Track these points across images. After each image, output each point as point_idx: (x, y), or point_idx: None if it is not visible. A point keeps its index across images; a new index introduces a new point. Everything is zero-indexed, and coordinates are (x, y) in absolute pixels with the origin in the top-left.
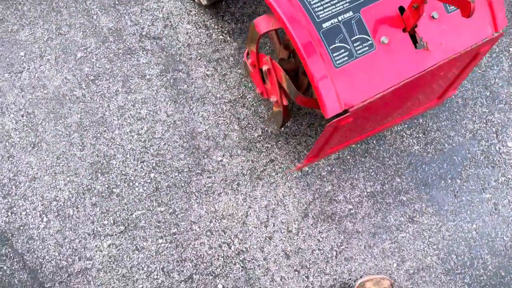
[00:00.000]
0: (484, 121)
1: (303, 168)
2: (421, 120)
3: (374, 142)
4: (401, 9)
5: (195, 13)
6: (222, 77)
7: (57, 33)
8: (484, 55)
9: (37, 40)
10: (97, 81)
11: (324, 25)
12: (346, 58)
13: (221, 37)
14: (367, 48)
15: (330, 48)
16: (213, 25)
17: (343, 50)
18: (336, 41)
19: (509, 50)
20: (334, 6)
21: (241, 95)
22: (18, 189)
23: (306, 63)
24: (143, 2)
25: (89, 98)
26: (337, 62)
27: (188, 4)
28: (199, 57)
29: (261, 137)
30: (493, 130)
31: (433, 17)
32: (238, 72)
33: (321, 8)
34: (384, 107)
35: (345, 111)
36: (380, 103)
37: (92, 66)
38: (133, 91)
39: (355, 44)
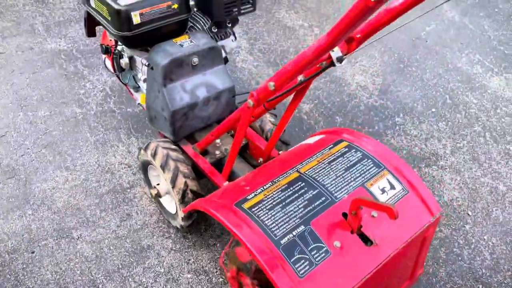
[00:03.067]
0: None
1: None
2: None
3: None
4: (345, 215)
5: (193, 261)
6: None
7: None
8: (432, 236)
9: None
10: None
11: (282, 242)
12: (308, 267)
13: (220, 279)
14: (323, 254)
15: (291, 261)
16: (212, 269)
17: (303, 261)
18: (296, 254)
19: (484, 238)
20: (287, 223)
21: None
22: None
23: (273, 280)
24: (145, 261)
25: None
26: (300, 273)
27: (186, 253)
28: None
29: None
30: None
31: (373, 216)
32: None
33: (276, 227)
34: None
35: None
36: None
37: None
38: None
39: (312, 253)
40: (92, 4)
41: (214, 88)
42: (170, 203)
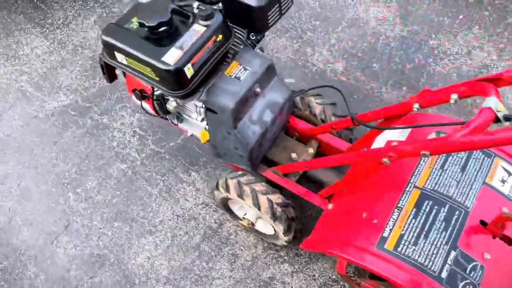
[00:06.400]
0: None
1: None
2: None
3: None
4: (482, 222)
5: (318, 275)
6: None
7: None
8: None
9: None
10: None
11: (442, 276)
12: None
13: None
14: (480, 271)
15: None
16: (339, 276)
17: (468, 286)
18: (459, 282)
19: None
20: (438, 254)
21: None
22: None
23: None
24: None
25: None
26: None
27: (308, 270)
28: None
29: None
30: None
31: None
32: None
33: (431, 262)
34: None
35: None
36: None
37: None
38: None
39: (471, 274)
40: (121, 60)
41: (277, 104)
42: (266, 226)
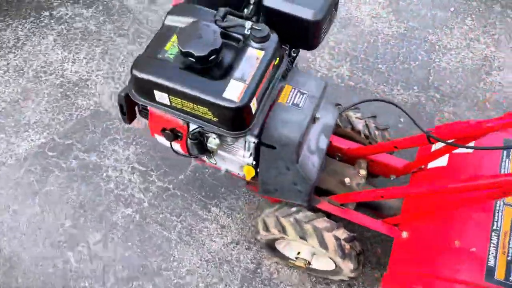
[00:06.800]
0: None
1: None
2: None
3: None
4: None
5: None
6: None
7: None
8: None
9: None
10: None
11: None
12: None
13: None
14: None
15: None
16: None
17: None
18: None
19: None
20: None
21: None
22: None
23: None
24: None
25: None
26: None
27: None
28: None
29: None
30: None
31: None
32: None
33: None
34: None
35: None
36: None
37: None
38: None
39: None
40: (162, 99)
41: (329, 127)
42: (324, 262)
